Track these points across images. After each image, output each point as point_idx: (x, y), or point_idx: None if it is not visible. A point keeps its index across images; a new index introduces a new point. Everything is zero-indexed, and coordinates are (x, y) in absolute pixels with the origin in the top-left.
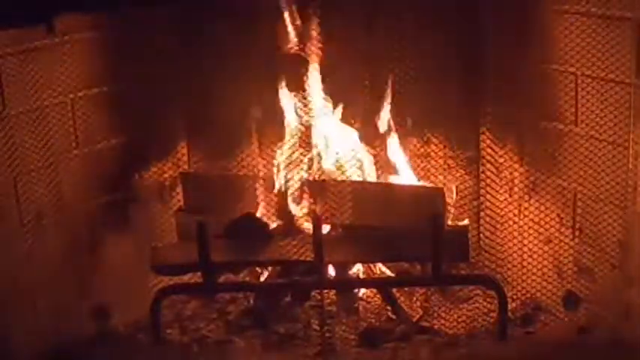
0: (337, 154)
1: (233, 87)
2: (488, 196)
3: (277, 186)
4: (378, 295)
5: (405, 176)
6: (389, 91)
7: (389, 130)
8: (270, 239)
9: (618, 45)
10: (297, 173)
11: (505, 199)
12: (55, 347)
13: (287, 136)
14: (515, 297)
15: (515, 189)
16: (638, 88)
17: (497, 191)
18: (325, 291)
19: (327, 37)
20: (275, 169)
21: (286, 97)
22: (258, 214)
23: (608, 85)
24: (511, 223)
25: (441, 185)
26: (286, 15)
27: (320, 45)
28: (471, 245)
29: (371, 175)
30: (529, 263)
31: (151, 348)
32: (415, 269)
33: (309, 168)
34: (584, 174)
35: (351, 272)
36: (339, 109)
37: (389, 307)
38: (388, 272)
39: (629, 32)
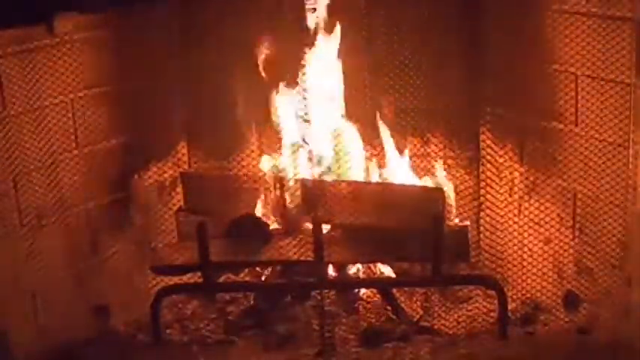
0: (337, 153)
1: (233, 87)
2: (488, 196)
3: (277, 186)
4: (378, 295)
5: (406, 176)
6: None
7: (390, 130)
8: (270, 239)
9: (618, 45)
10: (297, 173)
11: (505, 199)
12: (54, 347)
13: (287, 136)
14: (515, 297)
15: (515, 189)
16: (638, 88)
17: (497, 191)
18: (325, 291)
19: (326, 42)
20: (275, 169)
21: (286, 96)
22: (258, 214)
23: (608, 85)
24: (511, 223)
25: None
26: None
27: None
28: (470, 245)
29: (371, 175)
30: (529, 263)
31: (151, 348)
32: (415, 269)
33: (310, 168)
34: (584, 174)
35: (351, 272)
36: (340, 109)
37: (389, 307)
38: (388, 272)
39: (629, 32)
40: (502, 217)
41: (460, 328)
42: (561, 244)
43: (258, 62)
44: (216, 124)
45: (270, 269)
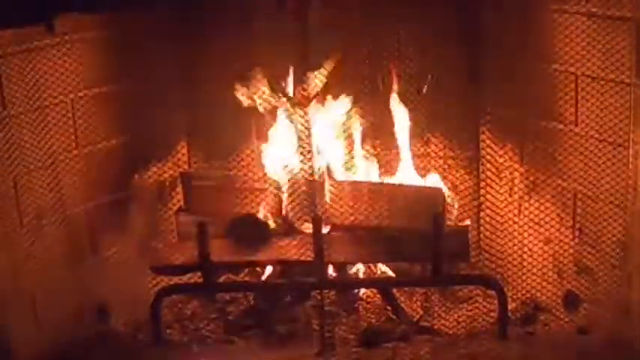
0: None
1: (233, 87)
2: (488, 196)
3: (277, 186)
4: (378, 295)
5: (406, 176)
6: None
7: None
8: (270, 239)
9: (618, 45)
10: (298, 173)
11: (505, 199)
12: (55, 347)
13: (287, 137)
14: (515, 297)
15: (515, 189)
16: (638, 88)
17: (497, 191)
18: (325, 291)
19: (326, 43)
20: (275, 169)
21: (286, 96)
22: (258, 214)
23: (608, 85)
24: (511, 223)
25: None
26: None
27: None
28: (470, 245)
29: (372, 175)
30: (529, 263)
31: (151, 348)
32: (415, 269)
33: (310, 168)
34: (584, 174)
35: (351, 272)
36: (341, 109)
37: (389, 307)
38: (388, 272)
39: (629, 32)
40: (502, 217)
41: (460, 328)
42: (561, 244)
43: (259, 61)
44: (216, 124)
45: (270, 269)
